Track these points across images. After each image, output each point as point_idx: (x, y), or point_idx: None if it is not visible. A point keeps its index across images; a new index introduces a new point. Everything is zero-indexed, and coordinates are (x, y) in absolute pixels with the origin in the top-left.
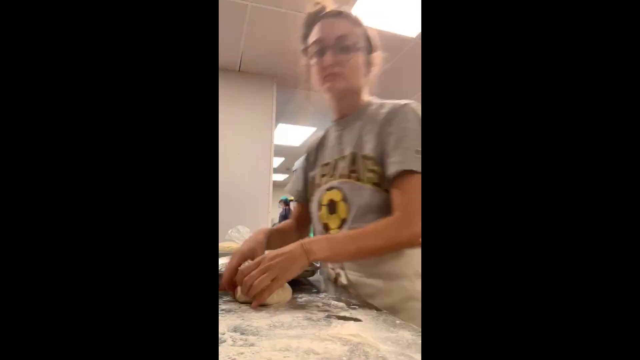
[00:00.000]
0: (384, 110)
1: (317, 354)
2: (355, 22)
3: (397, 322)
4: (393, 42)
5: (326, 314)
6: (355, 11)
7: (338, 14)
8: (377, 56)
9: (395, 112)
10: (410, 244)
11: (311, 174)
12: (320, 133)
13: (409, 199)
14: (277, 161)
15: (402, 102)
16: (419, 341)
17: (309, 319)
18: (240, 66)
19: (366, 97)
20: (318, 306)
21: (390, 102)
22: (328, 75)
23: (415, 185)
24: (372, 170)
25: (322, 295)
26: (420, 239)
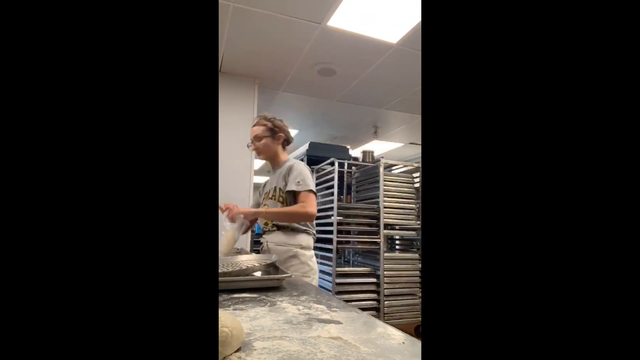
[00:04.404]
0: (287, 165)
1: (299, 357)
2: (265, 122)
3: (377, 323)
4: (374, 48)
5: (307, 317)
6: (338, 16)
7: (256, 123)
8: (280, 135)
9: (290, 167)
10: (304, 218)
11: (261, 198)
12: (267, 178)
13: (305, 199)
14: (258, 163)
15: (293, 162)
16: (399, 342)
17: (290, 322)
18: (221, 66)
19: (283, 156)
20: (299, 309)
21: (290, 161)
22: (257, 153)
23: (305, 195)
24: (281, 195)
25: (302, 298)
26: (310, 216)
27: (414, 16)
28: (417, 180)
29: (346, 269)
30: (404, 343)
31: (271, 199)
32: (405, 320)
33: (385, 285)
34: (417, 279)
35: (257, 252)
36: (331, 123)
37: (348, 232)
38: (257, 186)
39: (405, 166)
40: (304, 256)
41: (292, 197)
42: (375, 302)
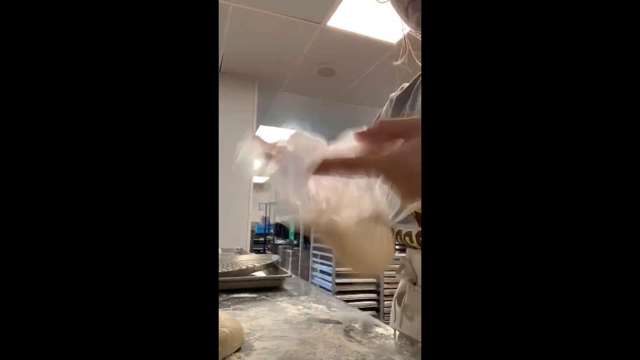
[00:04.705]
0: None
1: (299, 357)
2: None
3: (377, 323)
4: (374, 48)
5: (307, 317)
6: (338, 16)
7: None
8: None
9: None
10: None
11: None
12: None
13: None
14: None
15: None
16: (398, 342)
17: (290, 322)
18: (221, 66)
19: None
20: (299, 309)
21: None
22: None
23: None
24: None
25: (302, 298)
26: None
27: None
28: None
29: (346, 269)
30: (404, 343)
31: None
32: None
33: (385, 285)
34: None
35: (257, 252)
36: (331, 123)
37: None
38: (256, 186)
39: None
40: None
41: None
42: (375, 302)
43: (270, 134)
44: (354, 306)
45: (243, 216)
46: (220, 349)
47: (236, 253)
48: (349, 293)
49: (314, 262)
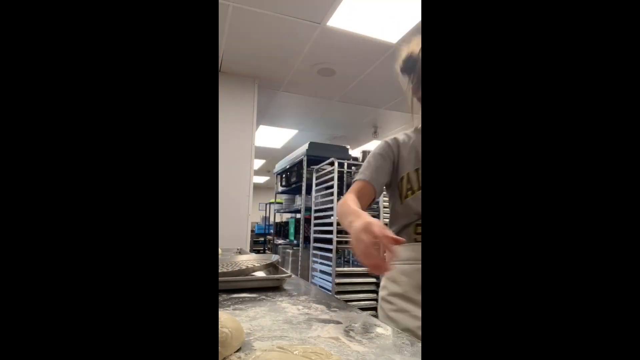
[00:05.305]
0: None
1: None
2: None
3: (377, 323)
4: (374, 48)
5: (307, 317)
6: (338, 16)
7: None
8: None
9: None
10: None
11: (402, 173)
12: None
13: None
14: (258, 163)
15: None
16: (398, 342)
17: (289, 322)
18: (221, 66)
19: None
20: (298, 309)
21: None
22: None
23: None
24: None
25: (302, 298)
26: None
27: (414, 16)
28: None
29: (346, 269)
30: (403, 343)
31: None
32: None
33: None
34: None
35: (257, 252)
36: (331, 123)
37: (348, 232)
38: (256, 186)
39: None
40: None
41: None
42: (375, 302)
43: (270, 133)
44: (354, 306)
45: (243, 215)
46: (220, 349)
47: (236, 253)
48: (349, 293)
49: (314, 262)
